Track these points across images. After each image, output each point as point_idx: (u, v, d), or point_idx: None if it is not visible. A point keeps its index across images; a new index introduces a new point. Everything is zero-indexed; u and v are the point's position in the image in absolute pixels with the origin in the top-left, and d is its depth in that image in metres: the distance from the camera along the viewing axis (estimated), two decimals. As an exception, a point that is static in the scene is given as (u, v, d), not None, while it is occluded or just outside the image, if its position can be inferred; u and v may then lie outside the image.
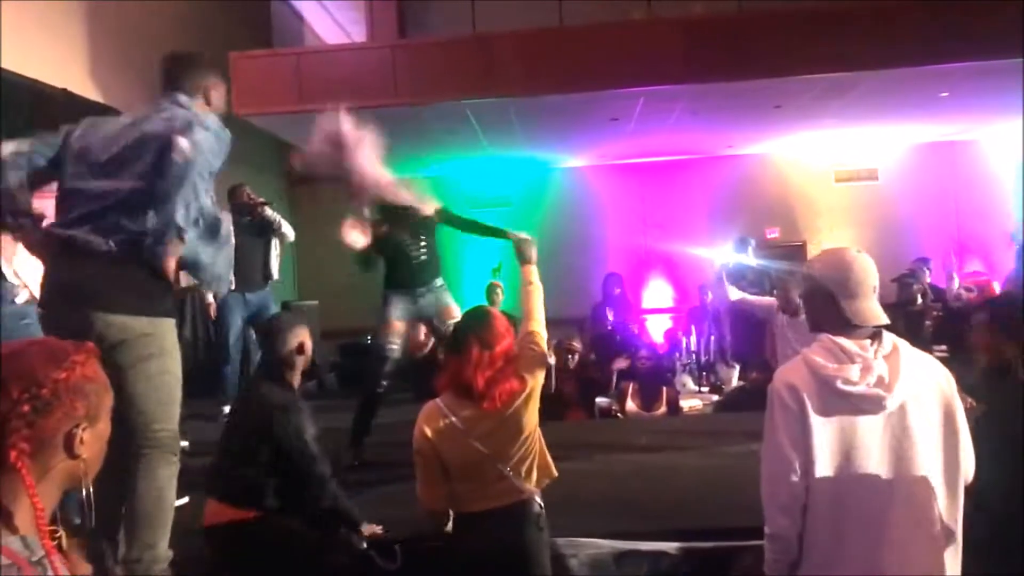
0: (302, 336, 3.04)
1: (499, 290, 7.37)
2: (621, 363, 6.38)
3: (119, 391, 1.47)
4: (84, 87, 6.34)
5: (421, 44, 8.13)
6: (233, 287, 5.58)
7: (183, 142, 2.47)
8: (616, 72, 7.46)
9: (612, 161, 11.27)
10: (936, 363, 1.95)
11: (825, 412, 1.85)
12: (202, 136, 2.54)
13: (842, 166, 11.31)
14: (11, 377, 1.16)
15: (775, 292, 4.66)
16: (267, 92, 7.54)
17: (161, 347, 2.58)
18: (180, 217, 2.50)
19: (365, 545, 2.97)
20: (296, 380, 3.09)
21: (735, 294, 5.16)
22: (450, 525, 2.66)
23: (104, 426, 1.26)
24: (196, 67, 2.82)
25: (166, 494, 2.61)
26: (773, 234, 11.18)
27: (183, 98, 2.71)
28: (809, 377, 1.89)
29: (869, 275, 1.95)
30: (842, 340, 1.90)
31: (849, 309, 1.91)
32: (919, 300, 7.21)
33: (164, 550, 2.61)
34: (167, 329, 2.63)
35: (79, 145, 2.63)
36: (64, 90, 5.93)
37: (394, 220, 4.44)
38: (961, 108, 8.99)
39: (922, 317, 7.16)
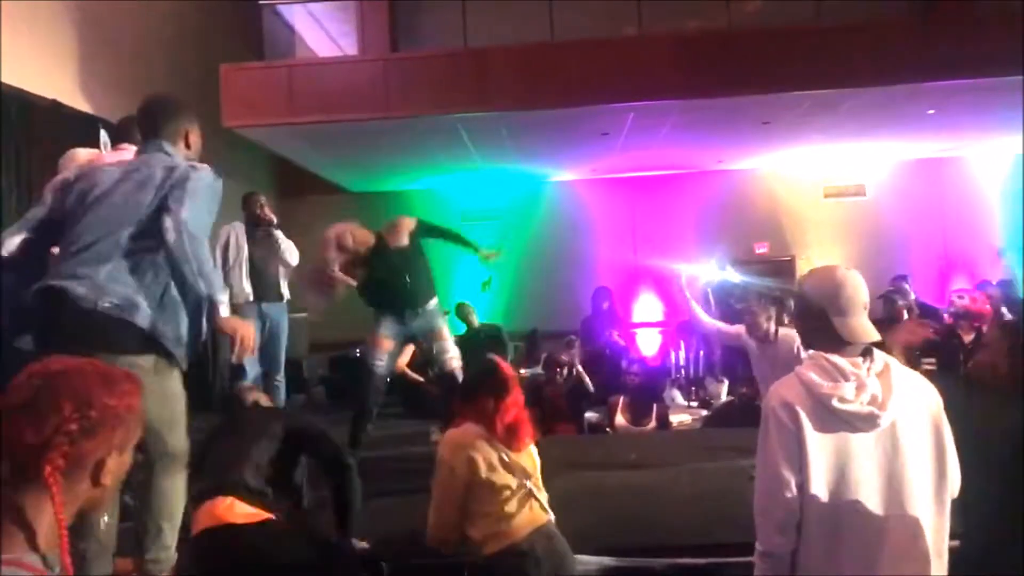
0: None
1: (470, 312, 7.32)
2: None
3: None
4: (74, 99, 6.31)
5: (413, 58, 8.14)
6: (251, 298, 5.56)
7: (169, 223, 2.47)
8: (607, 87, 7.50)
9: (602, 175, 11.31)
10: (924, 381, 1.97)
11: (820, 429, 1.86)
12: (189, 209, 2.52)
13: (831, 182, 11.39)
14: (66, 394, 1.16)
15: (744, 318, 4.57)
16: (258, 104, 7.52)
17: (164, 373, 2.63)
18: (203, 285, 2.53)
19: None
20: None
21: (706, 321, 5.04)
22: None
23: (127, 459, 1.26)
24: (174, 113, 2.83)
25: (178, 500, 2.72)
26: (762, 249, 11.23)
27: (167, 146, 2.73)
28: (804, 394, 1.89)
29: (859, 292, 1.96)
30: (835, 358, 1.91)
31: (841, 326, 1.92)
32: (905, 316, 7.23)
33: (174, 551, 2.73)
34: (167, 362, 2.68)
35: (76, 199, 2.63)
36: (54, 101, 5.91)
37: (369, 262, 4.37)
38: (948, 125, 9.08)
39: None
